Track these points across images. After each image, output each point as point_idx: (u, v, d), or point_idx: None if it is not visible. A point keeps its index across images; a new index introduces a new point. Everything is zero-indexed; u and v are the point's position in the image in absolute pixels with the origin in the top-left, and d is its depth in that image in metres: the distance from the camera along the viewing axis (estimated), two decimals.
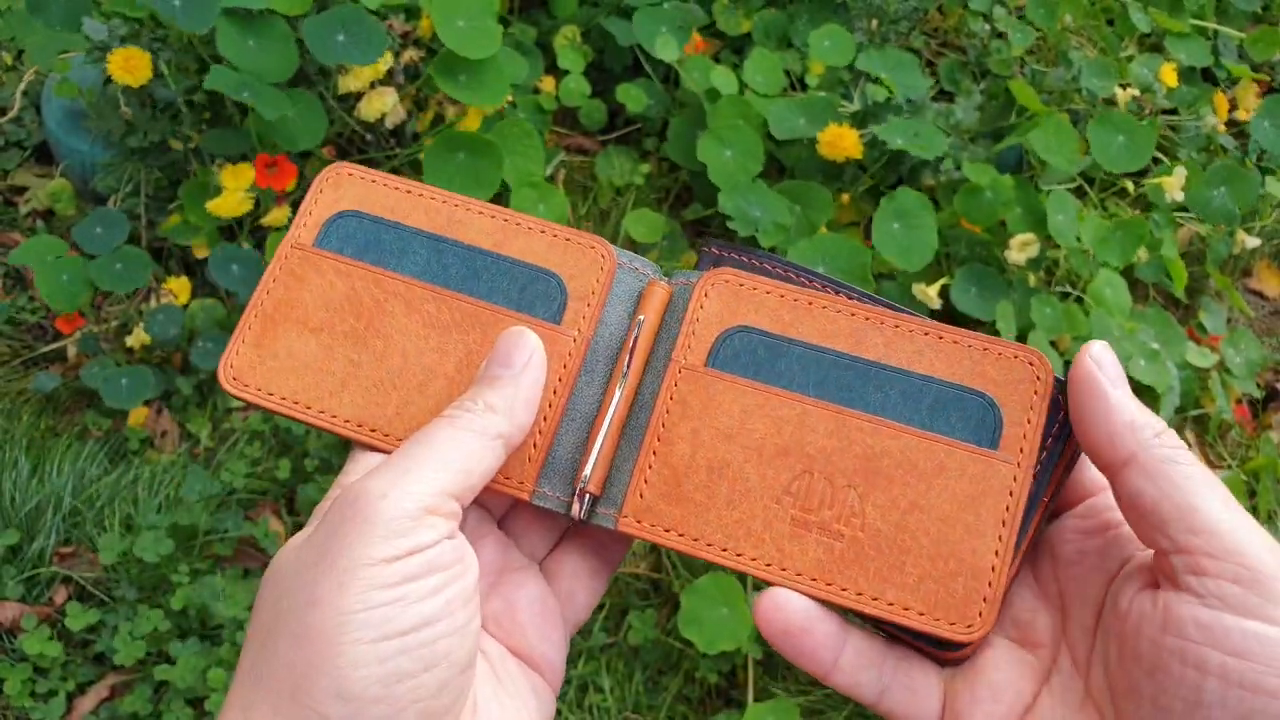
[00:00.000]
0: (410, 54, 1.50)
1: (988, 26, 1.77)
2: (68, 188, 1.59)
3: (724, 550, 0.41)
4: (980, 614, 0.39)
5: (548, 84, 1.67)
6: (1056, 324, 1.41)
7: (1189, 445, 1.57)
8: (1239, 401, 1.63)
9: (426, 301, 0.45)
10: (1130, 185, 1.62)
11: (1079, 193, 1.61)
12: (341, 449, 1.38)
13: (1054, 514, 0.43)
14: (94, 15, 1.36)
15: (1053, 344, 1.43)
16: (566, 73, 1.68)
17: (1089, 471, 0.43)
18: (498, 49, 1.40)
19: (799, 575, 0.40)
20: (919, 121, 1.46)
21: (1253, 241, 1.64)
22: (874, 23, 1.64)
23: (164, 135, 1.42)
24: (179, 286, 1.43)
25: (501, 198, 1.47)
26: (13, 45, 1.77)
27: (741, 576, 1.21)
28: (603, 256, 0.46)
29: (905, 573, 0.39)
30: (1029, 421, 0.41)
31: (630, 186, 1.66)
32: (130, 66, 1.32)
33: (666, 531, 0.42)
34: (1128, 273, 1.54)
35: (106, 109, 1.43)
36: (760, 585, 0.42)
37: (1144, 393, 1.52)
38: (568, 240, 0.46)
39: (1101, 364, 0.39)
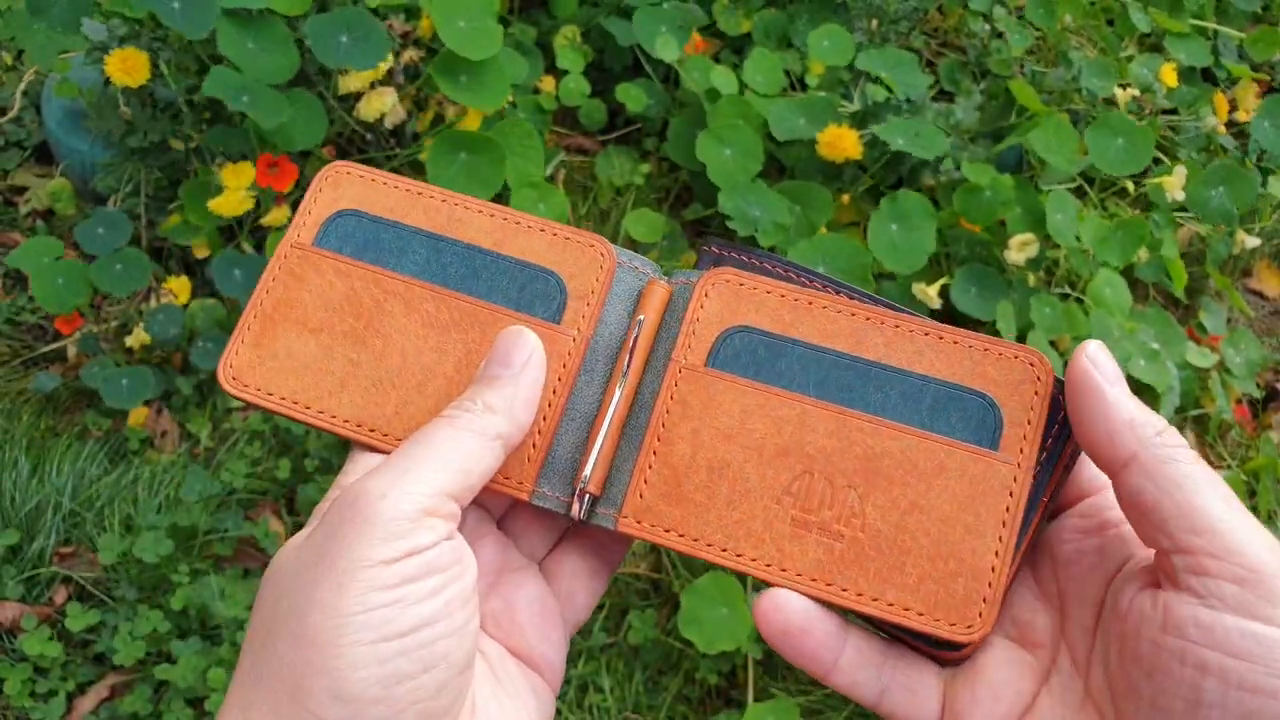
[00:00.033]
0: (410, 54, 1.50)
1: (988, 26, 1.77)
2: (68, 188, 1.59)
3: (724, 551, 0.41)
4: (980, 615, 0.38)
5: (548, 84, 1.67)
6: (1056, 324, 1.41)
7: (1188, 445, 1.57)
8: (1239, 401, 1.63)
9: (426, 301, 0.45)
10: (1130, 185, 1.62)
11: (1079, 192, 1.61)
12: (341, 449, 1.38)
13: (1053, 513, 0.43)
14: (94, 16, 1.36)
15: (1052, 344, 1.43)
16: (566, 73, 1.68)
17: (1088, 471, 0.42)
18: (499, 50, 1.40)
19: (799, 576, 0.40)
20: (919, 121, 1.46)
21: (1253, 241, 1.64)
22: (874, 23, 1.64)
23: (164, 135, 1.42)
24: (179, 286, 1.43)
25: (501, 198, 1.47)
26: (13, 45, 1.77)
27: (741, 576, 1.21)
28: (602, 255, 0.45)
29: (905, 573, 0.39)
30: (1029, 422, 0.41)
31: (630, 186, 1.66)
32: (128, 67, 1.32)
33: (666, 532, 0.42)
34: (1128, 273, 1.54)
35: (106, 109, 1.43)
36: (760, 585, 0.42)
37: (1144, 392, 1.52)
38: (567, 239, 0.46)
39: (1097, 363, 0.39)
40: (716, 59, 1.73)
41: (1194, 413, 1.59)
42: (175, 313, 1.40)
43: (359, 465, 0.43)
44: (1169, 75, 1.69)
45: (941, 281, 1.43)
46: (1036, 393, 0.41)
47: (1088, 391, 0.38)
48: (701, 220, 1.63)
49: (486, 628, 0.42)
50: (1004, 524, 0.39)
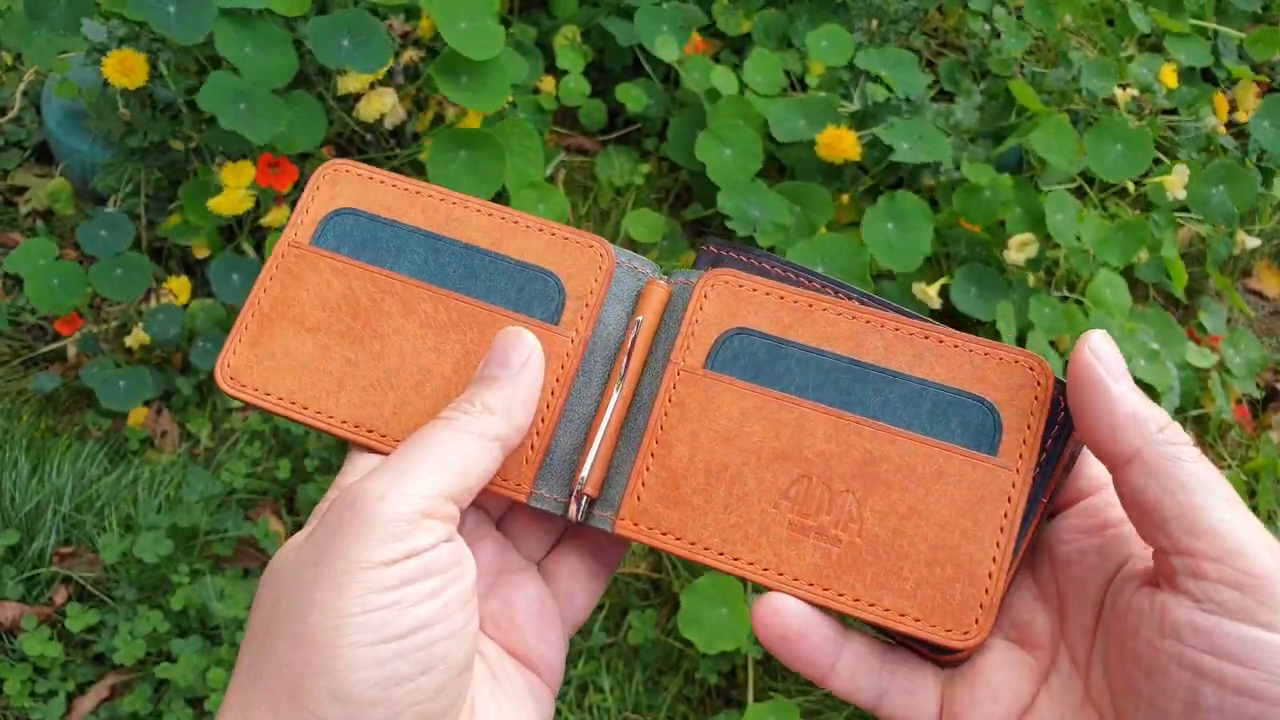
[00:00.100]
0: (410, 54, 1.50)
1: (988, 26, 1.77)
2: (67, 188, 1.59)
3: (721, 554, 0.41)
4: (977, 620, 0.38)
5: (548, 84, 1.67)
6: (1056, 324, 1.41)
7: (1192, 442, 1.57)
8: (1239, 401, 1.63)
9: (423, 301, 0.45)
10: (1130, 185, 1.62)
11: (1079, 192, 1.60)
12: (341, 449, 1.38)
13: (1052, 513, 0.42)
14: (93, 17, 1.36)
15: (1052, 344, 1.43)
16: (566, 73, 1.68)
17: (1088, 470, 0.42)
18: (500, 50, 1.40)
19: (795, 580, 0.40)
20: (921, 124, 1.46)
21: (1253, 241, 1.64)
22: (874, 23, 1.64)
23: (164, 135, 1.42)
24: (179, 286, 1.43)
25: (501, 198, 1.47)
26: (13, 46, 1.77)
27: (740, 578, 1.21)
28: (601, 256, 0.45)
29: (902, 578, 0.39)
30: (1029, 427, 0.40)
31: (630, 186, 1.66)
32: (126, 69, 1.32)
33: (663, 535, 0.41)
34: (1127, 273, 1.54)
35: (106, 109, 1.43)
36: (759, 588, 0.42)
37: (1144, 392, 1.52)
38: (566, 239, 0.46)
39: (1100, 355, 0.38)
40: (716, 59, 1.73)
41: (1194, 413, 1.59)
42: (175, 313, 1.40)
43: (358, 466, 0.43)
44: (1169, 76, 1.69)
45: (941, 281, 1.43)
46: (1036, 397, 0.41)
47: (1090, 385, 0.38)
48: (701, 220, 1.63)
49: (486, 629, 0.42)
50: (1002, 529, 0.39)
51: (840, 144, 1.42)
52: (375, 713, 0.34)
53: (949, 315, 1.42)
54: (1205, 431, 1.59)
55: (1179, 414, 1.57)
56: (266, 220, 1.42)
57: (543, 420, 0.43)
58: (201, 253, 1.46)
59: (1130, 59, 1.75)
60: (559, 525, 0.46)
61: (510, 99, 1.55)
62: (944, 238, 1.49)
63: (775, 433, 0.42)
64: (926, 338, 0.42)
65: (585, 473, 0.43)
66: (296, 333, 0.45)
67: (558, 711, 1.21)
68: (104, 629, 1.23)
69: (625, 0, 1.71)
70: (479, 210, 0.47)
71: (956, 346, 0.42)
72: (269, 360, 0.45)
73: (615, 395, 0.44)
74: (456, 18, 1.38)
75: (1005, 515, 0.39)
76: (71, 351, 1.49)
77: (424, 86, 1.53)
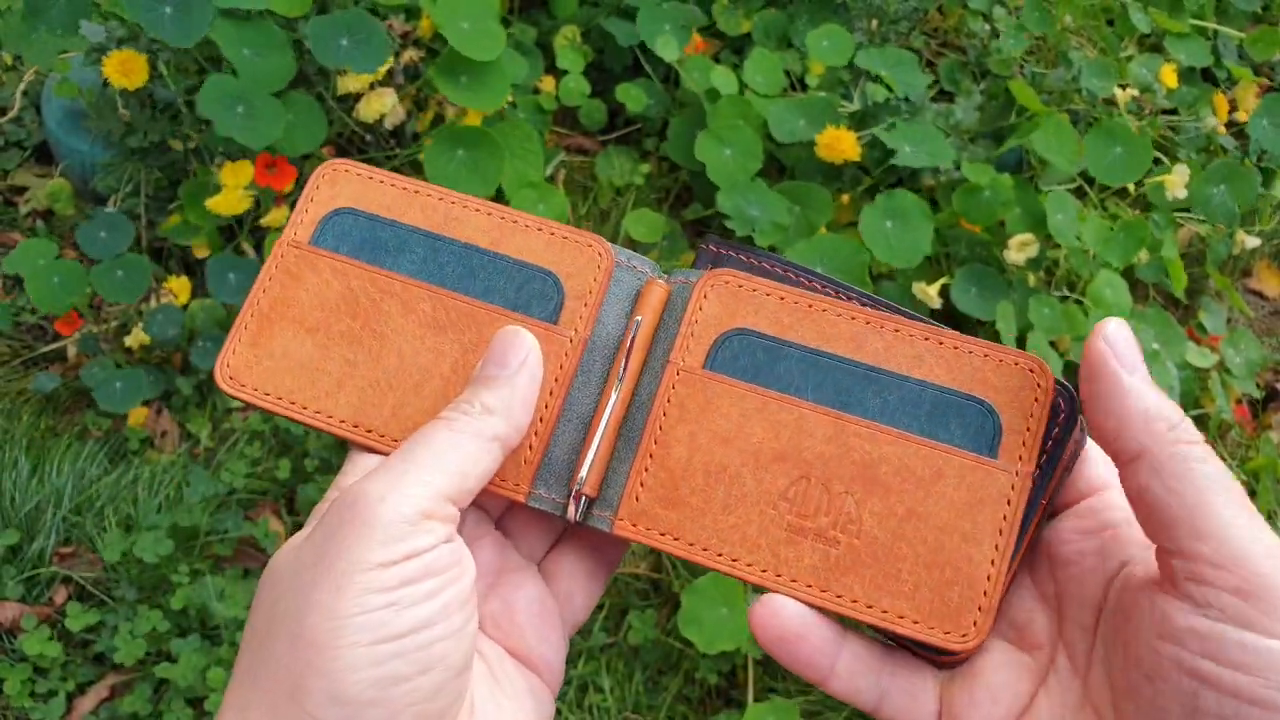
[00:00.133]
0: (410, 54, 1.50)
1: (988, 26, 1.77)
2: (67, 188, 1.59)
3: (719, 555, 0.41)
4: (975, 623, 0.38)
5: (548, 84, 1.67)
6: (1056, 324, 1.41)
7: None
8: (1239, 402, 1.63)
9: (422, 301, 0.45)
10: (1131, 185, 1.62)
11: (1079, 193, 1.60)
12: (341, 449, 1.38)
13: (1052, 513, 0.42)
14: (92, 18, 1.36)
15: (1052, 344, 1.43)
16: (566, 73, 1.68)
17: (1088, 471, 0.42)
18: (502, 51, 1.40)
19: (794, 582, 0.40)
20: (924, 128, 1.45)
21: (1253, 241, 1.64)
22: (874, 23, 1.64)
23: (164, 135, 1.42)
24: (179, 286, 1.43)
25: (499, 199, 1.47)
26: (13, 46, 1.77)
27: None
28: (600, 255, 0.45)
29: (901, 580, 0.39)
30: (1028, 429, 0.40)
31: (630, 186, 1.66)
32: (126, 69, 1.32)
33: (662, 535, 0.41)
34: (1128, 273, 1.54)
35: (106, 109, 1.43)
36: (758, 589, 0.42)
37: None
38: (565, 238, 0.46)
39: (1115, 345, 0.37)
40: (716, 59, 1.73)
41: (1194, 413, 1.59)
42: (175, 313, 1.40)
43: (357, 466, 0.43)
44: (1169, 76, 1.69)
45: (942, 281, 1.43)
46: (1036, 400, 0.41)
47: (1102, 377, 0.37)
48: (701, 220, 1.63)
49: (485, 629, 0.42)
50: (1001, 532, 0.39)
51: (840, 144, 1.42)
52: (373, 713, 0.34)
53: (949, 315, 1.42)
54: (1205, 431, 1.59)
55: None
56: (266, 220, 1.42)
57: (541, 420, 0.43)
58: (201, 253, 1.46)
59: (1130, 59, 1.75)
60: (558, 524, 0.46)
61: (510, 99, 1.55)
62: (944, 238, 1.49)
63: (774, 434, 0.42)
64: (926, 339, 0.42)
65: (584, 473, 0.43)
66: (296, 333, 0.45)
67: (558, 711, 1.21)
68: (104, 629, 1.23)
69: (625, 0, 1.71)
70: (478, 210, 0.47)
71: (956, 348, 0.42)
72: (268, 360, 0.45)
73: (614, 395, 0.44)
74: (458, 18, 1.38)
75: (1004, 518, 0.39)
76: (71, 351, 1.49)
77: (424, 87, 1.53)
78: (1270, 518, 1.50)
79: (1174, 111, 1.78)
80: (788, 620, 0.39)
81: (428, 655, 0.35)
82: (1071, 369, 1.48)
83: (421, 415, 0.43)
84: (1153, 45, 1.89)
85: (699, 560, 0.41)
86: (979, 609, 0.38)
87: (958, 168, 1.49)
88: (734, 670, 1.26)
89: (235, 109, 1.28)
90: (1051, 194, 1.46)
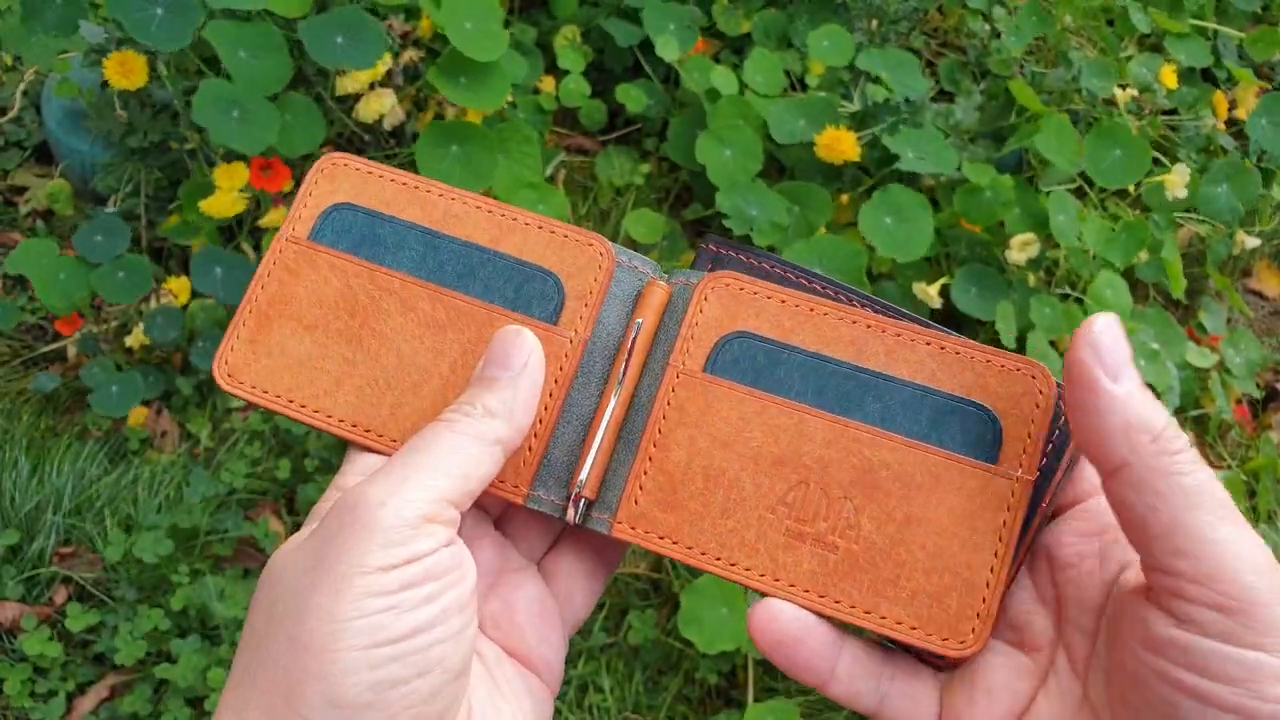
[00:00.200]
0: (410, 54, 1.50)
1: (988, 26, 1.77)
2: (66, 188, 1.59)
3: (718, 559, 0.41)
4: (973, 630, 0.38)
5: (548, 84, 1.67)
6: (1056, 324, 1.41)
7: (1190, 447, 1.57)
8: (1239, 401, 1.63)
9: (421, 300, 0.45)
10: (1131, 185, 1.62)
11: (1079, 193, 1.60)
12: (340, 449, 1.38)
13: (1052, 514, 0.42)
14: (90, 18, 1.36)
15: (1053, 344, 1.43)
16: (566, 73, 1.68)
17: (1089, 473, 0.42)
18: (504, 52, 1.40)
19: (792, 587, 0.40)
20: (927, 132, 1.45)
21: (1252, 242, 1.64)
22: (874, 23, 1.64)
23: (164, 135, 1.42)
24: (179, 287, 1.43)
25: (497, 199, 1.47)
26: (13, 46, 1.77)
27: None
28: (601, 255, 0.45)
29: (899, 587, 0.39)
30: (1029, 435, 0.40)
31: (630, 186, 1.66)
32: (126, 70, 1.31)
33: (660, 539, 0.41)
34: (1128, 273, 1.54)
35: (106, 110, 1.43)
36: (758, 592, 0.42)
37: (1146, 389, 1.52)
38: (565, 237, 0.45)
39: (1100, 350, 0.36)
40: (716, 59, 1.73)
41: (1194, 413, 1.59)
42: (174, 315, 1.40)
43: (356, 466, 0.43)
44: (1169, 76, 1.68)
45: (942, 281, 1.43)
46: (1038, 405, 0.40)
47: (1082, 387, 0.36)
48: (701, 220, 1.63)
49: (485, 629, 0.42)
50: (1000, 538, 0.39)
51: (840, 145, 1.42)
52: (370, 716, 0.34)
53: (949, 315, 1.42)
54: (1205, 432, 1.59)
55: (1179, 414, 1.57)
56: (265, 221, 1.42)
57: (541, 422, 0.43)
58: None
59: (1130, 59, 1.75)
60: (557, 524, 0.46)
61: (510, 99, 1.55)
62: (944, 238, 1.49)
63: (774, 438, 0.42)
64: (928, 344, 0.42)
65: (583, 475, 0.43)
66: (294, 330, 0.45)
67: (558, 711, 1.21)
68: (104, 629, 1.23)
69: (626, 0, 1.71)
70: (478, 206, 0.46)
71: (958, 353, 0.42)
72: (266, 358, 0.45)
73: (614, 397, 0.44)
74: (461, 19, 1.38)
75: (1004, 524, 0.39)
76: (71, 351, 1.49)
77: (423, 87, 1.52)
78: (1270, 518, 1.50)
79: (1174, 112, 1.78)
80: (786, 624, 0.39)
81: (426, 658, 0.35)
82: None
83: (420, 415, 0.43)
84: (1153, 45, 1.89)
85: (697, 564, 0.41)
86: (977, 616, 0.38)
87: (958, 168, 1.49)
88: (734, 670, 1.25)
89: (230, 113, 1.28)
90: (1053, 194, 1.46)
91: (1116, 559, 0.39)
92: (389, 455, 0.43)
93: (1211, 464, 1.58)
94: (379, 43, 1.34)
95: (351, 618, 0.34)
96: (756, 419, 0.42)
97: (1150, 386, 1.46)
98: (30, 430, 1.40)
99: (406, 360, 0.44)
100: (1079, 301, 1.48)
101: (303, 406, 0.44)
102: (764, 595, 0.40)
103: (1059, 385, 0.41)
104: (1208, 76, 1.92)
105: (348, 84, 1.41)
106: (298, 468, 1.37)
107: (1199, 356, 1.58)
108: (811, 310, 0.43)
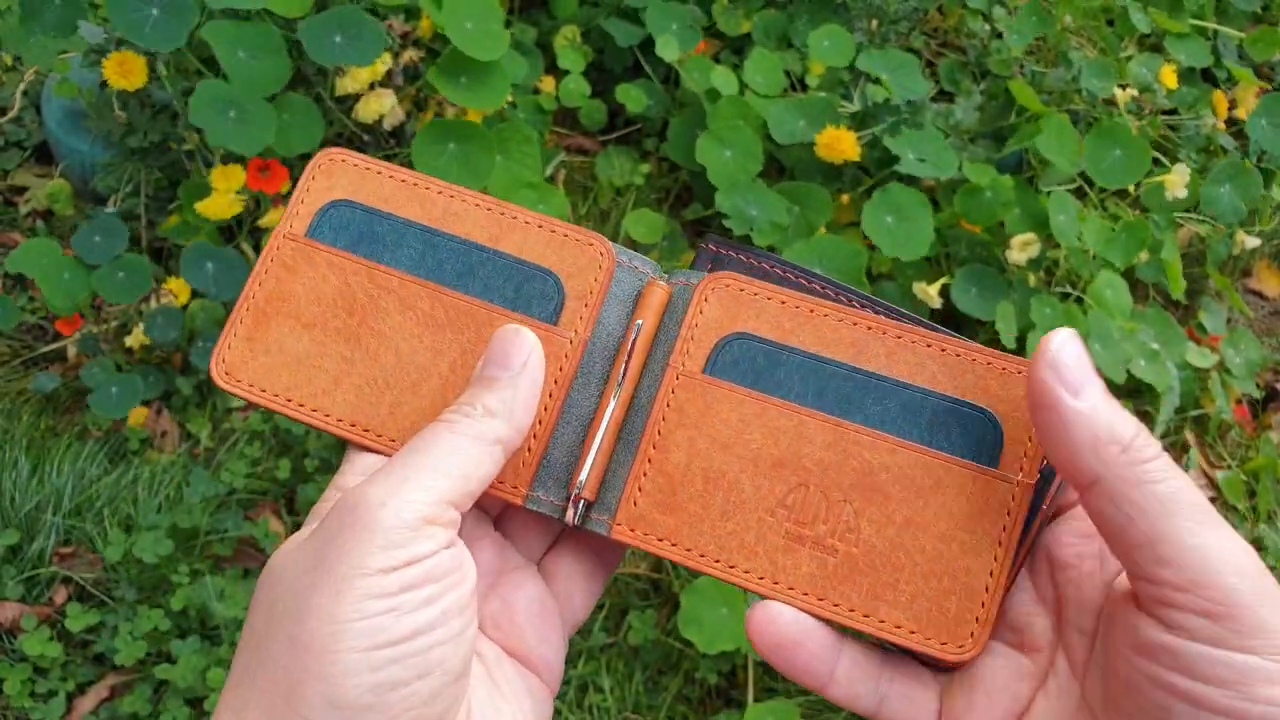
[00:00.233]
0: (410, 54, 1.50)
1: (988, 26, 1.77)
2: (66, 188, 1.59)
3: (716, 562, 0.40)
4: (972, 634, 0.38)
5: (548, 84, 1.67)
6: (1056, 324, 1.40)
7: (1189, 445, 1.58)
8: (1239, 402, 1.63)
9: (421, 299, 0.44)
10: (1131, 185, 1.62)
11: (1079, 193, 1.60)
12: (341, 449, 1.38)
13: (1053, 515, 0.42)
14: (90, 18, 1.36)
15: None
16: (566, 73, 1.68)
17: None
18: (504, 52, 1.39)
19: (791, 590, 0.40)
20: (927, 134, 1.45)
21: (1252, 242, 1.64)
22: (874, 23, 1.64)
23: (163, 135, 1.42)
24: (179, 287, 1.43)
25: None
26: (13, 46, 1.77)
27: None
28: (601, 254, 0.45)
29: (898, 590, 0.39)
30: (1030, 439, 0.40)
31: (630, 186, 1.66)
32: (125, 70, 1.31)
33: (660, 541, 0.41)
34: (1128, 273, 1.54)
35: (106, 110, 1.43)
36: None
37: (1144, 393, 1.52)
38: (565, 236, 0.45)
39: (1059, 366, 0.36)
40: (716, 59, 1.73)
41: (1194, 413, 1.59)
42: (174, 315, 1.40)
43: (355, 465, 0.43)
44: (1169, 76, 1.68)
45: (942, 281, 1.43)
46: None
47: (1045, 407, 0.36)
48: (701, 220, 1.63)
49: (485, 629, 0.42)
50: (1000, 542, 0.39)
51: (840, 144, 1.42)
52: (370, 717, 0.34)
53: (949, 315, 1.42)
54: (1205, 432, 1.59)
55: (1179, 414, 1.57)
56: (265, 221, 1.42)
57: (540, 422, 0.43)
58: None
59: (1130, 59, 1.75)
60: (557, 524, 0.46)
61: (510, 99, 1.54)
62: (944, 238, 1.49)
63: (774, 440, 0.41)
64: (929, 346, 0.42)
65: (583, 476, 0.42)
66: (292, 328, 0.45)
67: (557, 712, 1.21)
68: (104, 629, 1.23)
69: (626, 1, 1.71)
70: (478, 204, 0.46)
71: (959, 355, 0.41)
72: (264, 356, 0.44)
73: (614, 398, 0.43)
74: (461, 18, 1.38)
75: (1004, 528, 0.39)
76: (71, 351, 1.49)
77: (423, 87, 1.52)
78: (1270, 518, 1.50)
79: (1174, 112, 1.78)
80: (785, 627, 0.39)
81: (426, 660, 0.35)
82: None
83: (419, 415, 0.43)
84: (1153, 45, 1.89)
85: (696, 566, 0.41)
86: (976, 620, 0.38)
87: (958, 168, 1.49)
88: (734, 670, 1.25)
89: (227, 114, 1.28)
90: (1053, 195, 1.46)
91: (1116, 561, 0.39)
92: (388, 455, 0.42)
93: (1211, 464, 1.58)
94: (378, 42, 1.34)
95: (352, 619, 0.34)
96: (756, 421, 0.42)
97: (1150, 387, 1.47)
98: (30, 430, 1.40)
99: (405, 359, 0.44)
100: (1079, 301, 1.48)
101: (301, 405, 0.44)
102: (763, 598, 0.40)
103: None
104: (1208, 76, 1.92)
105: (347, 84, 1.41)
106: (298, 468, 1.37)
107: (1199, 356, 1.58)
108: (812, 311, 0.43)
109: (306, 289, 0.45)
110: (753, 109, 1.51)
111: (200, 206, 1.34)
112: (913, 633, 0.39)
